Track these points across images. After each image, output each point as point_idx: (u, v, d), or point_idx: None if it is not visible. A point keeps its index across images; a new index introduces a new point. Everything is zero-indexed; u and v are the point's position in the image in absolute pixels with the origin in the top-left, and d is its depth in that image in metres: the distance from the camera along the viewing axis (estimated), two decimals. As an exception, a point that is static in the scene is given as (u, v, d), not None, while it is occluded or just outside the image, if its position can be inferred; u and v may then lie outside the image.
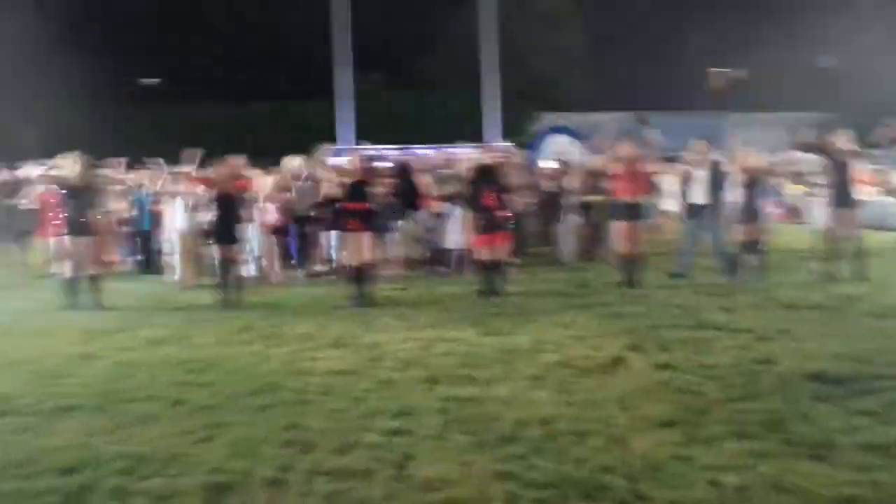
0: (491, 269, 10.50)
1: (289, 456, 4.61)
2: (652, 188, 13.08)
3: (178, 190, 12.32)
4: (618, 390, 5.89)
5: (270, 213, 12.64)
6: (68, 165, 10.21)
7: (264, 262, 12.54)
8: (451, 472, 4.32)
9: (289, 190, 12.79)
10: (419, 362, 6.84)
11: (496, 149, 16.49)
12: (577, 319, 8.51)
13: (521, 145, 35.01)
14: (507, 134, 35.58)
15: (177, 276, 12.19)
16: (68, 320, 9.19)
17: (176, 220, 12.31)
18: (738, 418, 5.16)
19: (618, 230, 11.24)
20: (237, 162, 11.12)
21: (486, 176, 10.60)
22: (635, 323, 8.28)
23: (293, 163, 13.67)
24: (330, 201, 11.89)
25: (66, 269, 10.10)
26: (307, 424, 5.19)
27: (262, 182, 12.93)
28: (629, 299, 9.77)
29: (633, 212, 10.94)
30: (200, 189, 12.15)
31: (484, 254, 10.50)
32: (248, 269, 12.09)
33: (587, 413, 5.33)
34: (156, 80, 40.86)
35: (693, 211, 11.97)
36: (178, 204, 12.29)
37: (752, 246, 11.03)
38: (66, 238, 10.04)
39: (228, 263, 10.43)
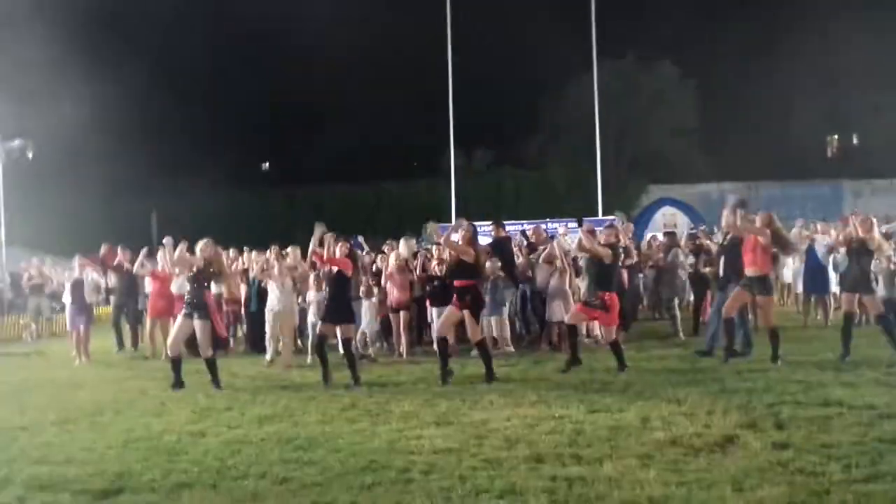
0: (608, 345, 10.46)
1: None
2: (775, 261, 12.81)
3: (275, 271, 12.69)
4: (731, 471, 5.67)
5: (393, 291, 12.90)
6: (196, 249, 10.67)
7: (374, 341, 12.75)
8: (557, 554, 4.21)
9: (409, 268, 13.03)
10: (524, 440, 6.75)
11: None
12: (689, 396, 8.27)
13: (629, 218, 34.81)
14: (617, 207, 35.45)
15: (268, 356, 12.43)
16: (180, 399, 9.48)
17: (272, 301, 12.64)
18: (863, 501, 4.89)
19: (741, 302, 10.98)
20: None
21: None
22: (751, 399, 8.00)
23: (410, 242, 14.00)
24: (435, 277, 12.06)
25: (179, 349, 10.44)
26: (412, 503, 5.16)
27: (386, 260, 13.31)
28: (744, 375, 9.46)
29: (762, 285, 10.64)
30: (302, 268, 12.57)
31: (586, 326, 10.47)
32: (359, 347, 12.28)
33: (698, 494, 5.14)
34: (268, 166, 42.67)
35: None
36: (273, 285, 12.65)
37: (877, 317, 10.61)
38: (183, 319, 10.41)
39: (343, 341, 10.62)
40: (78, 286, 14.16)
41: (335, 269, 10.61)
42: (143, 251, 14.60)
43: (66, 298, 14.37)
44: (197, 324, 10.24)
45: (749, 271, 10.66)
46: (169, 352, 10.37)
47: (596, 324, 12.50)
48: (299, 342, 13.75)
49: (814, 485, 5.28)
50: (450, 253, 10.46)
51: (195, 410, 8.67)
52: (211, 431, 7.60)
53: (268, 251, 14.08)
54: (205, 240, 10.64)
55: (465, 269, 10.22)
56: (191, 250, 11.02)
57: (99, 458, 6.76)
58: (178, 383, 10.16)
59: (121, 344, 15.36)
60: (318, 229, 10.87)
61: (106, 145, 34.60)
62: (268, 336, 12.71)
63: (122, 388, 10.51)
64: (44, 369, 13.33)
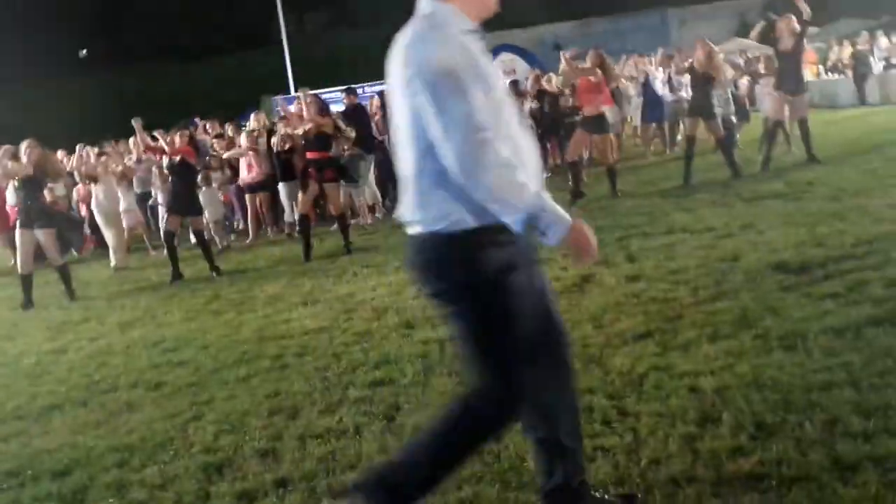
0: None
1: (277, 424, 4.64)
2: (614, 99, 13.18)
3: (98, 169, 12.14)
4: (591, 308, 5.96)
5: (246, 171, 12.53)
6: (19, 153, 9.95)
7: (222, 228, 12.47)
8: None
9: (256, 147, 12.61)
10: (392, 308, 6.87)
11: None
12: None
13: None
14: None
15: (112, 261, 12.01)
16: (33, 317, 9.10)
17: (99, 201, 12.12)
18: (711, 320, 5.25)
19: (580, 141, 11.34)
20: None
21: None
22: (601, 236, 8.33)
23: (260, 116, 13.62)
24: (288, 152, 11.78)
25: (30, 266, 9.91)
26: (290, 389, 5.21)
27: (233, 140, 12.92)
28: (593, 213, 9.84)
29: (598, 124, 10.98)
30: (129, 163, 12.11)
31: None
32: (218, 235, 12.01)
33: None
34: (87, 50, 39.88)
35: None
36: (96, 185, 12.10)
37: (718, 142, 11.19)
38: (22, 231, 9.83)
39: (195, 233, 10.37)
40: None
41: (177, 158, 10.22)
42: None
43: None
44: (39, 233, 9.71)
45: (586, 111, 10.97)
46: (20, 269, 9.79)
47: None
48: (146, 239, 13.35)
49: (667, 311, 5.62)
50: (303, 126, 10.20)
51: (51, 327, 8.35)
52: (72, 347, 7.36)
53: (86, 148, 13.47)
54: (27, 141, 9.91)
55: (320, 141, 10.04)
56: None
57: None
58: (29, 302, 9.68)
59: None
60: (136, 124, 10.48)
61: None
62: (108, 240, 12.20)
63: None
64: None
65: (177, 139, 10.30)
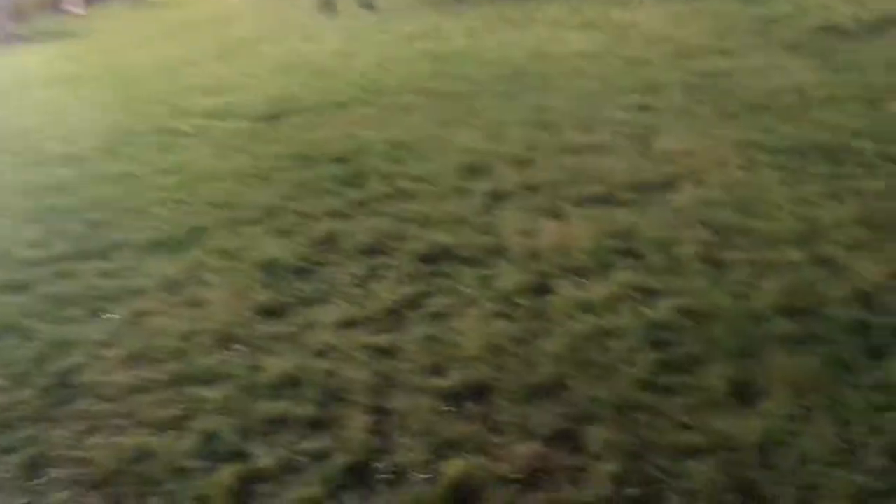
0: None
1: (536, 136, 4.83)
2: None
3: None
4: (886, 53, 5.47)
5: None
6: None
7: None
8: (692, 143, 4.36)
9: None
10: (671, 38, 6.66)
11: None
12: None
13: None
14: None
15: None
16: (329, 24, 9.71)
17: None
18: None
19: None
20: None
21: None
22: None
23: None
24: None
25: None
26: (554, 106, 5.34)
27: None
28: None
29: None
30: None
31: None
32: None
33: (847, 79, 5.04)
34: None
35: None
36: None
37: None
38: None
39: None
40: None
41: None
42: None
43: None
44: None
45: None
46: None
47: None
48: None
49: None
50: None
51: (345, 34, 8.90)
52: (361, 53, 7.86)
53: None
54: None
55: None
56: None
57: (260, 85, 7.20)
58: (329, 7, 10.27)
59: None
60: None
61: None
62: None
63: (274, 19, 10.80)
64: (196, 5, 13.76)
65: None
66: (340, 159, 4.97)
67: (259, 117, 6.20)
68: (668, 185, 3.94)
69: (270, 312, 3.34)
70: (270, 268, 3.71)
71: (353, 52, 7.88)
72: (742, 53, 5.95)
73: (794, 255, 3.13)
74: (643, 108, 5.10)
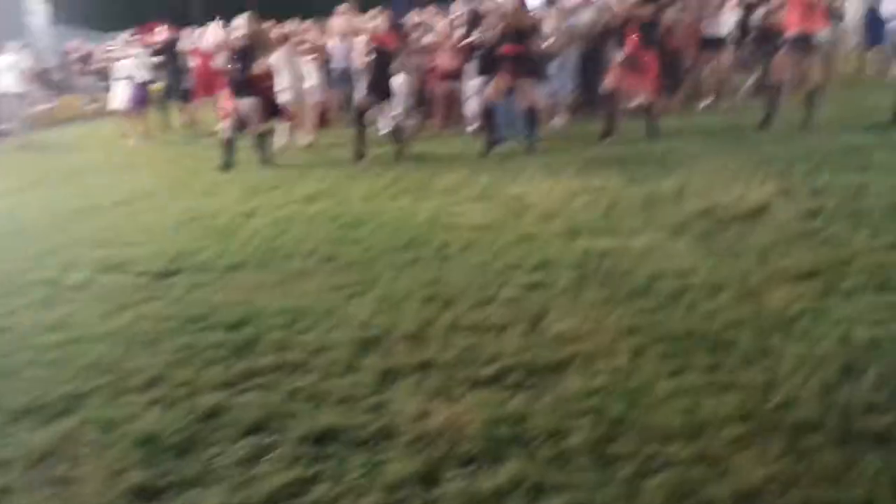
0: (639, 111, 10.39)
1: (429, 311, 4.90)
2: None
3: (281, 51, 12.32)
4: (760, 240, 5.81)
5: (441, 59, 12.55)
6: (237, 25, 10.51)
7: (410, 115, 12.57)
8: (582, 326, 4.48)
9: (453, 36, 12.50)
10: (561, 214, 6.94)
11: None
12: (727, 163, 8.30)
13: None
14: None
15: (294, 138, 12.09)
16: (230, 179, 9.79)
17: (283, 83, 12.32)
18: (883, 270, 5.01)
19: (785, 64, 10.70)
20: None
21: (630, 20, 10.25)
22: (789, 166, 8.00)
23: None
24: (482, 45, 11.68)
25: (227, 128, 10.58)
26: (448, 280, 5.45)
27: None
28: (787, 142, 9.40)
29: (807, 44, 10.32)
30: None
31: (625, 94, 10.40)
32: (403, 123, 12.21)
33: (724, 265, 5.32)
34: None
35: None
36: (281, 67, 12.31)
37: None
38: (231, 97, 10.48)
39: (385, 118, 10.73)
40: (133, 65, 14.19)
41: (377, 44, 10.46)
42: (188, 30, 14.53)
43: (120, 77, 14.31)
44: (243, 102, 10.34)
45: (791, 32, 10.30)
46: (224, 133, 10.51)
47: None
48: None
49: (839, 253, 5.39)
50: (500, 18, 10.17)
51: (244, 190, 8.98)
52: (260, 211, 7.92)
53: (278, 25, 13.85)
54: (244, 14, 10.46)
55: (518, 35, 10.02)
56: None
57: (157, 240, 7.16)
58: (229, 164, 10.39)
59: (168, 123, 15.61)
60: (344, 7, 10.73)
61: None
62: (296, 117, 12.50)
63: (176, 169, 10.85)
64: (99, 151, 13.74)
65: (380, 22, 10.48)
66: (232, 326, 4.93)
67: (151, 274, 6.14)
68: (558, 369, 4.01)
69: (145, 495, 3.22)
70: (149, 444, 3.59)
71: (251, 211, 7.93)
72: (628, 234, 6.22)
73: (679, 451, 3.19)
74: (535, 286, 5.24)
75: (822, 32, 10.85)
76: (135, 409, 3.95)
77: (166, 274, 6.11)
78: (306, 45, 12.87)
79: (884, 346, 3.94)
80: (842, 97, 12.34)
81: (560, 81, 12.34)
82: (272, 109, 10.95)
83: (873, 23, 14.26)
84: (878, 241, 5.55)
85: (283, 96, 12.10)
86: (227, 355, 4.50)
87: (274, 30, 13.93)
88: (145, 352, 4.65)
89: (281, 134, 11.88)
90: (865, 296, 4.61)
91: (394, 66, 10.99)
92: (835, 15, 13.54)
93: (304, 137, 12.20)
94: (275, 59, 12.13)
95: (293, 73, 12.16)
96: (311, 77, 12.82)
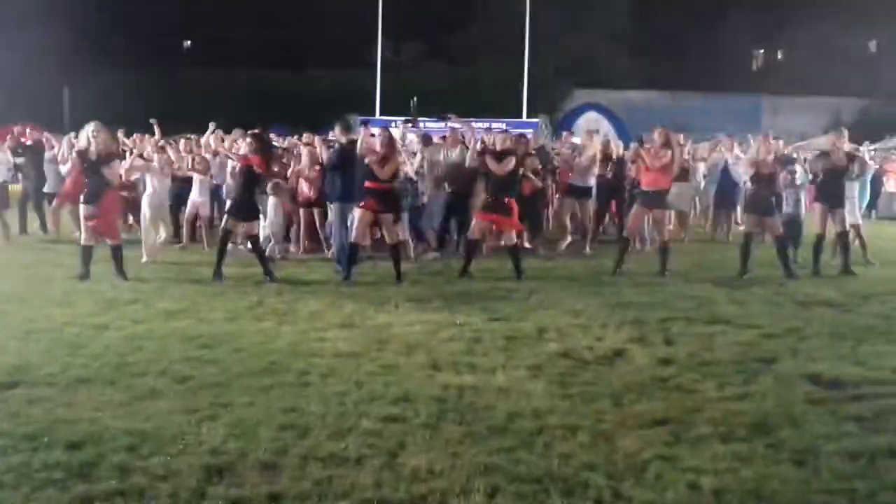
0: (507, 251, 10.75)
1: (285, 440, 4.76)
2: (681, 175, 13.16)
3: (154, 164, 12.25)
4: (615, 385, 5.98)
5: (305, 187, 12.66)
6: (87, 135, 10.26)
7: (279, 239, 12.55)
8: (439, 462, 4.45)
9: (319, 163, 12.65)
10: (424, 346, 6.97)
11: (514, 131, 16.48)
12: (588, 307, 8.60)
13: (553, 122, 34.95)
14: (542, 110, 35.54)
15: (143, 256, 11.69)
16: (85, 289, 9.41)
17: (149, 195, 12.14)
18: (729, 419, 5.24)
19: (638, 217, 11.34)
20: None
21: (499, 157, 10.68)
22: (644, 313, 8.35)
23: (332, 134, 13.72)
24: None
25: (84, 237, 10.22)
26: (306, 408, 5.33)
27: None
28: (643, 289, 9.84)
29: (658, 199, 11.00)
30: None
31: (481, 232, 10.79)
32: (270, 245, 12.16)
33: (579, 408, 5.44)
34: (186, 44, 40.90)
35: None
36: (150, 178, 12.16)
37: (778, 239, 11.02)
38: (84, 206, 10.16)
39: (250, 238, 10.65)
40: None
41: (243, 165, 10.49)
42: (67, 139, 14.33)
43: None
44: (89, 210, 10.04)
45: (648, 187, 11.01)
46: (82, 241, 10.15)
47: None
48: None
49: (688, 401, 5.62)
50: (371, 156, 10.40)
51: (100, 302, 8.64)
52: (114, 325, 7.61)
53: (148, 139, 13.81)
54: (93, 124, 10.21)
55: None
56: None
57: (-1, 348, 6.76)
58: (86, 274, 10.00)
59: (24, 228, 15.00)
60: (212, 126, 10.83)
61: (15, 16, 32.86)
62: (142, 229, 12.19)
63: (28, 275, 10.36)
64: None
65: (244, 146, 10.51)
66: (73, 445, 4.67)
67: (-12, 386, 5.74)
68: (413, 506, 3.95)
69: None
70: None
71: (105, 324, 7.61)
72: (487, 370, 6.30)
73: None
74: (393, 419, 5.19)
75: (673, 189, 11.64)
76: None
77: (3, 386, 5.73)
78: (197, 159, 12.80)
79: (729, 496, 4.07)
80: (694, 250, 13.13)
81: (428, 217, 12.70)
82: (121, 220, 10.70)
83: (726, 185, 15.34)
84: (724, 392, 5.81)
85: (146, 207, 11.94)
86: (64, 478, 4.22)
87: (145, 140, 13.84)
88: (-28, 470, 4.31)
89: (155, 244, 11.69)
90: (712, 445, 4.77)
91: (262, 187, 11.05)
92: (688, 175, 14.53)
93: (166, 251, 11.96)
94: (141, 169, 12.07)
95: (162, 186, 12.01)
96: (195, 192, 12.72)
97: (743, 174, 13.52)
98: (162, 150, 12.78)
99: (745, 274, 10.80)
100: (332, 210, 11.43)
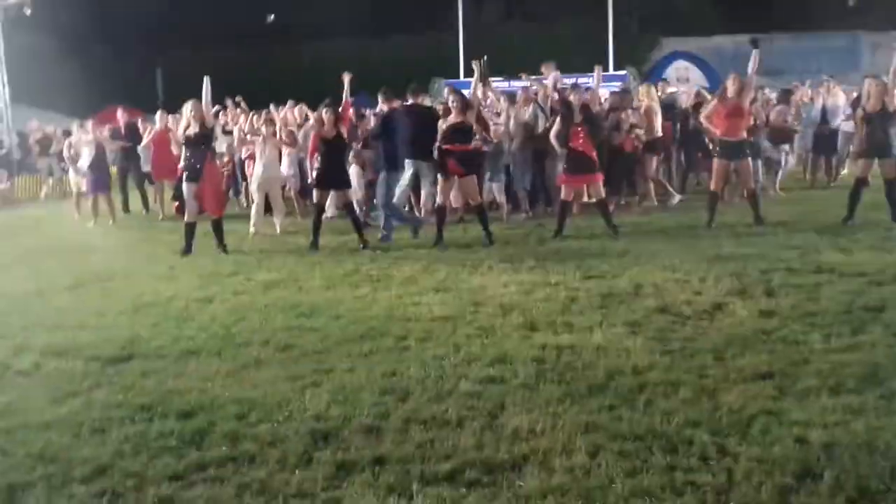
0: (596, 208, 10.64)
1: (386, 404, 4.84)
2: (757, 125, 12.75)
3: (260, 139, 12.46)
4: (715, 339, 5.87)
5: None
6: (186, 113, 10.55)
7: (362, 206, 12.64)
8: (540, 422, 4.46)
9: None
10: (519, 307, 6.96)
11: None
12: (684, 262, 8.44)
13: (641, 73, 34.23)
14: (630, 62, 34.81)
15: (251, 228, 12.11)
16: (188, 264, 9.71)
17: (257, 170, 12.43)
18: (838, 371, 5.08)
19: (721, 172, 10.99)
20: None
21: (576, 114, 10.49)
22: (745, 265, 8.14)
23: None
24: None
25: (187, 214, 10.57)
26: (406, 372, 5.40)
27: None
28: (742, 240, 9.60)
29: (738, 150, 10.66)
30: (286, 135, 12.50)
31: (571, 194, 10.62)
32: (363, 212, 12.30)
33: (680, 364, 5.35)
34: (271, 20, 41.23)
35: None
36: (258, 152, 12.42)
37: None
38: (187, 184, 10.49)
39: (345, 206, 10.82)
40: (99, 151, 14.17)
41: (330, 135, 10.54)
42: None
43: (84, 162, 14.23)
44: (193, 188, 10.35)
45: (726, 136, 10.65)
46: (185, 217, 10.51)
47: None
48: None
49: (794, 354, 5.47)
50: (446, 117, 10.37)
51: (203, 276, 8.91)
52: (218, 297, 7.85)
53: (254, 116, 13.98)
54: (191, 102, 10.47)
55: (462, 134, 10.20)
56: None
57: (110, 324, 7.05)
58: (188, 248, 10.34)
59: (127, 207, 15.56)
60: (346, 77, 11.04)
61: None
62: (253, 206, 12.53)
63: (132, 253, 10.75)
64: (55, 233, 13.61)
65: (325, 116, 10.60)
66: (185, 414, 4.84)
67: (102, 359, 6.02)
68: (516, 466, 3.97)
69: None
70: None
71: (208, 297, 7.85)
72: (585, 328, 6.25)
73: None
74: (492, 380, 5.21)
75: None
76: (80, 501, 3.82)
77: (117, 359, 5.99)
78: (285, 133, 13.02)
79: (840, 449, 3.96)
80: (794, 199, 12.73)
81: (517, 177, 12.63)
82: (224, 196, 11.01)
83: (825, 129, 14.81)
84: (831, 343, 5.63)
85: (253, 183, 12.27)
86: (178, 445, 4.39)
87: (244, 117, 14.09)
88: (94, 440, 4.53)
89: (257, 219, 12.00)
90: (820, 398, 4.64)
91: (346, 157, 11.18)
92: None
93: (274, 224, 12.22)
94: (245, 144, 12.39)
95: (266, 160, 12.25)
96: (284, 165, 12.97)
97: (843, 120, 12.97)
98: (270, 122, 12.96)
99: (850, 220, 10.40)
100: (380, 179, 11.35)
